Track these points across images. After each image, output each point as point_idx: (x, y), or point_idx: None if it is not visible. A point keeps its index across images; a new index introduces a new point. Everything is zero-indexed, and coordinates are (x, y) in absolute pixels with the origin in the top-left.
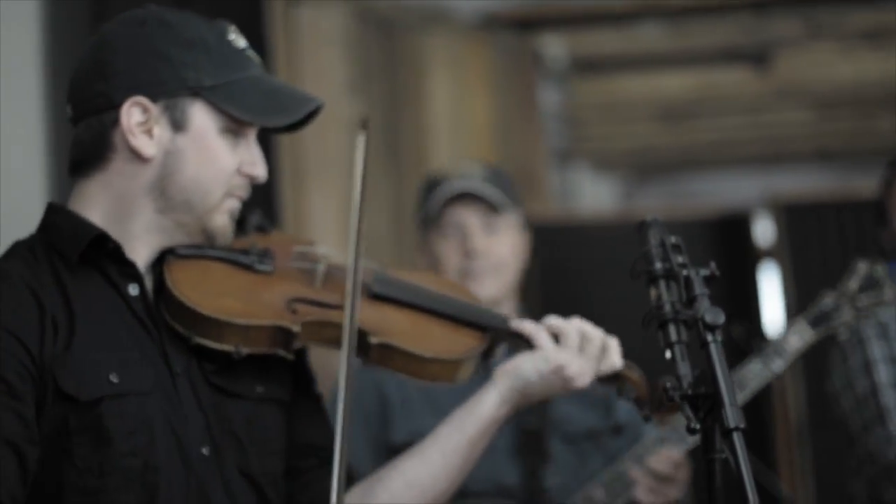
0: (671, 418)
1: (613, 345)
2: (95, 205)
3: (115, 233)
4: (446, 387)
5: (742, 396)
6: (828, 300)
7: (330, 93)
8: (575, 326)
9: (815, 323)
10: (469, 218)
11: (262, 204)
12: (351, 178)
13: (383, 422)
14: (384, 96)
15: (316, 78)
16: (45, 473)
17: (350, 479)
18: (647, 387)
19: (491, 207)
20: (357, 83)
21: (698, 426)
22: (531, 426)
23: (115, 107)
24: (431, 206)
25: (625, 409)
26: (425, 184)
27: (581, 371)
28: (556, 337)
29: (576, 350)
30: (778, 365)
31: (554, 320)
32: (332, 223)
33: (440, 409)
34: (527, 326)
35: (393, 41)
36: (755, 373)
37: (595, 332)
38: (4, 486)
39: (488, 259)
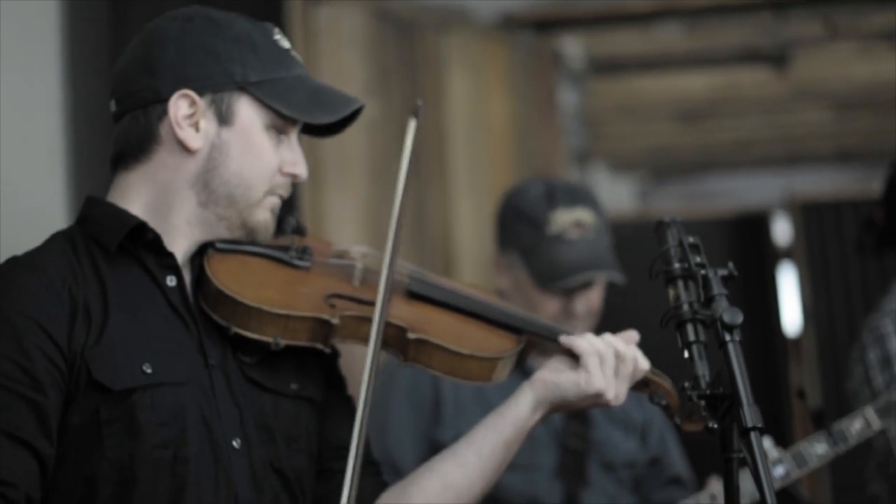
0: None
1: (639, 355)
2: (136, 196)
3: (155, 224)
4: (498, 390)
5: (799, 473)
6: None
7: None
8: (612, 350)
9: (882, 413)
10: (577, 285)
11: (280, 204)
12: (369, 176)
13: (434, 419)
14: (403, 97)
15: (335, 78)
16: (78, 464)
17: (389, 475)
18: (678, 396)
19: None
20: (376, 84)
21: (716, 425)
22: (574, 447)
23: (162, 100)
24: (560, 281)
25: (656, 440)
26: (525, 212)
27: (617, 394)
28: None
29: (613, 375)
30: (840, 449)
31: (596, 342)
32: (350, 223)
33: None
34: (580, 346)
35: (412, 42)
36: (819, 453)
37: (626, 350)
38: (23, 487)
39: (586, 315)
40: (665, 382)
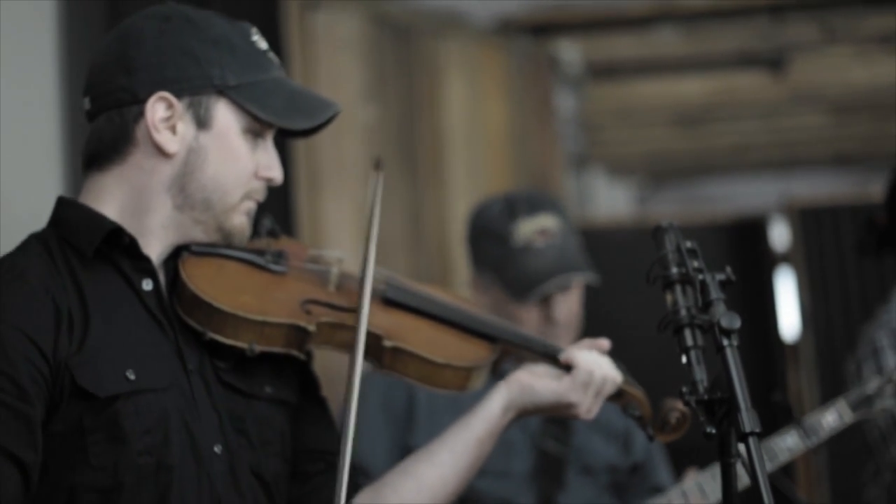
0: (674, 438)
1: (615, 373)
2: (111, 199)
3: (129, 227)
4: (472, 397)
5: (770, 467)
6: (871, 383)
7: (345, 98)
8: (602, 372)
9: (855, 406)
10: (553, 291)
11: (277, 209)
12: (366, 181)
13: (407, 425)
14: (400, 101)
15: (331, 83)
16: (60, 473)
17: (361, 479)
18: (650, 406)
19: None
20: (372, 88)
21: (714, 430)
22: (552, 451)
23: (139, 101)
24: (538, 289)
25: (641, 447)
26: (489, 229)
27: (589, 410)
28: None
29: (594, 395)
30: (812, 442)
31: (591, 362)
32: (347, 228)
33: None
34: (578, 359)
35: (409, 46)
36: (789, 446)
37: (611, 373)
38: (4, 498)
39: (568, 320)
40: (638, 392)
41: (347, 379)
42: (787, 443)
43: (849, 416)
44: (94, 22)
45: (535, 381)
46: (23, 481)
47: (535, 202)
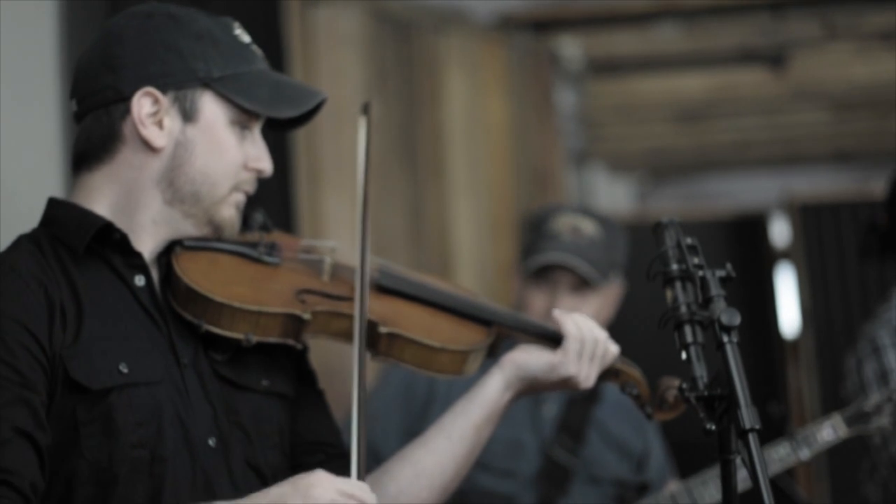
0: (672, 416)
1: (609, 339)
2: (101, 197)
3: (121, 224)
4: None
5: None
6: (870, 401)
7: (346, 93)
8: (592, 335)
9: (851, 421)
10: (561, 279)
11: (278, 203)
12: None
13: (424, 411)
14: (400, 97)
15: (332, 78)
16: (56, 465)
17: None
18: (648, 385)
19: (584, 278)
20: (373, 84)
21: (714, 427)
22: (560, 459)
23: (125, 98)
24: (532, 260)
25: (656, 471)
26: (535, 219)
27: (587, 377)
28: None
29: (588, 360)
30: (804, 454)
31: (582, 326)
32: (347, 222)
33: None
34: (567, 327)
35: (409, 42)
36: (780, 456)
37: (601, 335)
38: (27, 476)
39: None
40: (635, 372)
41: (353, 361)
42: (780, 453)
43: (844, 432)
44: (95, 22)
45: (528, 357)
46: (39, 460)
47: (586, 208)
